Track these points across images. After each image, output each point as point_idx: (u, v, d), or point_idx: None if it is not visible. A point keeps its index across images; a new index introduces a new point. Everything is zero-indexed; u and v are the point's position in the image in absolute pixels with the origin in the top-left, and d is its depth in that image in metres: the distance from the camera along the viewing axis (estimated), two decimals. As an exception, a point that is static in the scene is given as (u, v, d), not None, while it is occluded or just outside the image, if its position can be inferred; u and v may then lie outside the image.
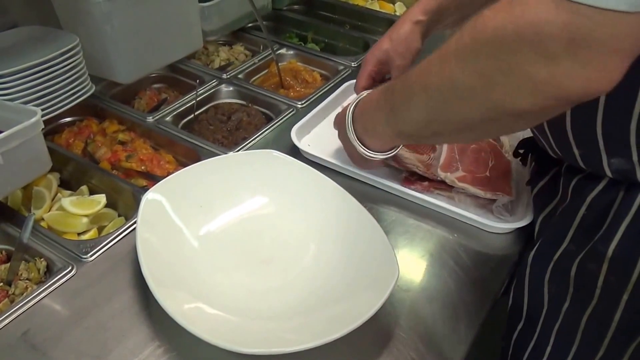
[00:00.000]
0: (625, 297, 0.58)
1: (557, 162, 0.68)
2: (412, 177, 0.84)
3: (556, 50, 0.42)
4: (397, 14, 1.48)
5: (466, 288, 0.71)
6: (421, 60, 0.57)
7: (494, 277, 0.73)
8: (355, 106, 0.74)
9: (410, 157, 0.83)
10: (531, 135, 0.72)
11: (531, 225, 0.76)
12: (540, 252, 0.68)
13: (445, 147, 0.83)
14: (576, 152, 0.59)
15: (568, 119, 0.57)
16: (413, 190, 0.82)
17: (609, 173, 0.57)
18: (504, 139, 0.89)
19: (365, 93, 0.75)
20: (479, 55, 0.48)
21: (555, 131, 0.61)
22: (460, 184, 0.79)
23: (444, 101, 0.54)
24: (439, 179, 0.81)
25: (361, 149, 0.74)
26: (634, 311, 0.59)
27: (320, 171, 0.80)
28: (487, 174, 0.80)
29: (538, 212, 0.73)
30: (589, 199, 0.61)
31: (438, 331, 0.66)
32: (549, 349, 0.68)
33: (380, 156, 0.74)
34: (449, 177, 0.79)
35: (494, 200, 0.79)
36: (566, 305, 0.64)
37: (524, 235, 0.78)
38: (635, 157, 0.54)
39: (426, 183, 0.82)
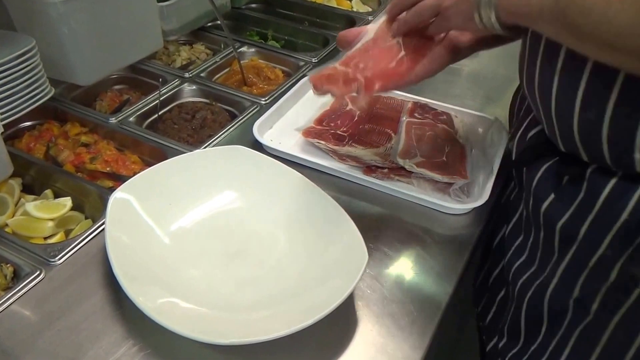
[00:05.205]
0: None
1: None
2: (372, 166, 0.86)
3: None
4: (355, 10, 1.51)
5: (432, 269, 0.74)
6: None
7: (457, 257, 0.76)
8: None
9: (367, 154, 0.86)
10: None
11: (486, 204, 0.80)
12: None
13: (403, 135, 0.86)
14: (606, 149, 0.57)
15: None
16: (374, 178, 0.84)
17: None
18: (458, 125, 0.93)
19: None
20: None
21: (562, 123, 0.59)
22: (419, 169, 0.81)
23: None
24: (398, 165, 0.83)
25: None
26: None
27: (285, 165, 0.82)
28: (444, 158, 0.83)
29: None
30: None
31: (408, 313, 0.68)
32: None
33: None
34: (408, 163, 0.82)
35: (451, 184, 0.82)
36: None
37: (481, 214, 0.81)
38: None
39: (386, 170, 0.85)
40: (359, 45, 0.70)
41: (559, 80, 0.56)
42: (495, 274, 0.80)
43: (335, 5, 1.51)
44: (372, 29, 0.71)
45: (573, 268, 0.63)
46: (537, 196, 0.66)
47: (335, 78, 0.68)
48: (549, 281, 0.66)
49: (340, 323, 0.66)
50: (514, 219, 0.74)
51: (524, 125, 0.71)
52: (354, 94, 0.69)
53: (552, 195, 0.64)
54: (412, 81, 0.70)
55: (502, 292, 0.77)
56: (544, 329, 0.69)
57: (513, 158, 0.73)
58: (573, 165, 0.61)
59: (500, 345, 0.76)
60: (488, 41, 0.73)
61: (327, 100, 1.00)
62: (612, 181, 0.57)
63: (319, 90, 0.69)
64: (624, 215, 0.56)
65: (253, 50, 1.28)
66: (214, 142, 0.95)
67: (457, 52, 0.71)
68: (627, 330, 0.62)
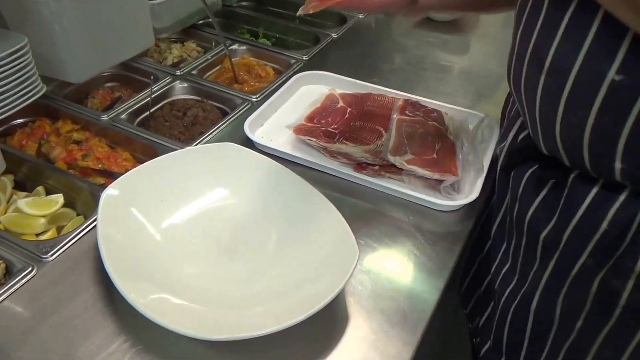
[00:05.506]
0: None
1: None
2: (363, 163, 0.87)
3: None
4: (346, 7, 1.52)
5: (423, 265, 0.74)
6: None
7: (448, 253, 0.76)
8: None
9: (357, 151, 0.86)
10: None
11: (477, 201, 0.81)
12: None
13: (393, 132, 0.87)
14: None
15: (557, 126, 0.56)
16: (365, 174, 0.85)
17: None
18: (449, 123, 0.93)
19: None
20: None
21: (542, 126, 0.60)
22: (409, 167, 0.82)
23: None
24: (389, 163, 0.84)
25: None
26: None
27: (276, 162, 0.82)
28: (434, 155, 0.84)
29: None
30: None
31: (399, 309, 0.69)
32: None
33: None
34: (398, 160, 0.83)
35: (441, 181, 0.82)
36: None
37: (471, 211, 0.82)
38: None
39: (377, 167, 0.85)
40: None
41: (544, 80, 0.55)
42: (487, 281, 0.80)
43: (327, 4, 1.52)
44: None
45: (556, 276, 0.63)
46: (523, 202, 0.65)
47: None
48: (533, 292, 0.66)
49: (331, 319, 0.67)
50: (495, 226, 0.74)
51: (515, 127, 0.70)
52: None
53: (536, 202, 0.63)
54: (367, 7, 0.70)
55: (494, 302, 0.77)
56: (526, 344, 0.69)
57: (500, 162, 0.72)
58: (556, 170, 0.60)
59: (493, 353, 0.76)
60: (450, 5, 0.74)
61: (318, 98, 1.01)
62: (594, 189, 0.57)
63: None
64: (604, 224, 0.56)
65: (244, 48, 1.28)
66: (205, 140, 0.96)
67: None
68: (614, 344, 0.62)
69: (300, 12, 0.66)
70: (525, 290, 0.67)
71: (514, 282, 0.70)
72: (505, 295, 0.71)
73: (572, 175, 0.59)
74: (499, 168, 0.73)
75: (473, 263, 0.86)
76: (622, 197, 0.55)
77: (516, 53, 0.61)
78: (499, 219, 0.74)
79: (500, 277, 0.72)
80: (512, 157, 0.69)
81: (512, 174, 0.68)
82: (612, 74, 0.49)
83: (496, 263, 0.74)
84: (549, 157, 0.61)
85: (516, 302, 0.69)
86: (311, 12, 0.65)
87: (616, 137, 0.51)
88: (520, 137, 0.68)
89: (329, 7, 0.66)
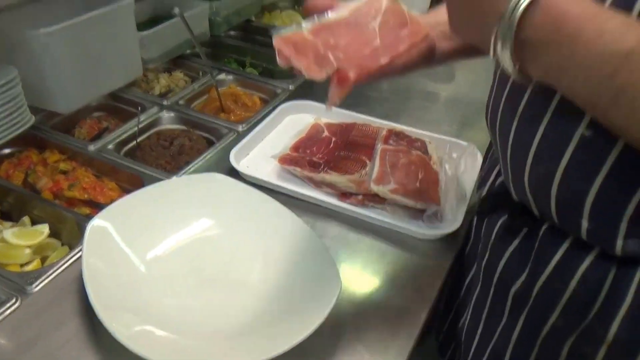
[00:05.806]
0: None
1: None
2: (347, 193, 0.88)
3: None
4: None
5: (406, 295, 0.75)
6: None
7: (430, 282, 0.77)
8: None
9: (342, 181, 0.87)
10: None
11: (460, 230, 0.82)
12: None
13: (377, 162, 0.88)
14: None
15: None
16: (349, 204, 0.86)
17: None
18: (432, 152, 0.95)
19: None
20: None
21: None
22: (393, 196, 0.83)
23: None
24: (372, 192, 0.85)
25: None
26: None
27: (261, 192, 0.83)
28: (417, 185, 0.85)
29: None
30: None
31: (382, 339, 0.69)
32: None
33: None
34: (382, 189, 0.84)
35: (424, 210, 0.83)
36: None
37: (454, 240, 0.83)
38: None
39: (360, 197, 0.87)
40: (329, 16, 0.60)
41: (517, 126, 0.54)
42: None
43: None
44: (348, 7, 0.61)
45: (527, 334, 0.60)
46: (494, 250, 0.64)
47: (304, 49, 0.58)
48: (504, 348, 0.63)
49: (314, 349, 0.67)
50: (469, 277, 0.74)
51: (494, 172, 0.69)
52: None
53: (508, 251, 0.61)
54: (387, 75, 0.65)
55: (460, 354, 0.75)
56: None
57: (477, 207, 0.72)
58: (528, 219, 0.58)
59: None
60: (467, 51, 0.68)
61: (303, 128, 1.02)
62: (565, 243, 0.55)
63: (284, 58, 0.58)
64: (573, 284, 0.54)
65: (231, 77, 1.30)
66: (191, 169, 0.97)
67: (433, 55, 0.66)
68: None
69: (327, 106, 0.60)
70: (495, 346, 0.65)
71: (477, 337, 0.68)
72: (473, 349, 0.69)
73: (544, 227, 0.57)
74: (475, 214, 0.72)
75: (451, 310, 0.83)
76: (591, 257, 0.53)
77: (494, 94, 0.60)
78: (473, 270, 0.73)
79: (465, 329, 0.71)
80: (489, 202, 0.68)
81: (485, 220, 0.68)
82: (582, 129, 0.47)
83: (465, 313, 0.73)
84: (523, 205, 0.59)
85: (485, 357, 0.67)
86: (338, 102, 0.59)
87: (583, 194, 0.49)
88: (498, 182, 0.67)
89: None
